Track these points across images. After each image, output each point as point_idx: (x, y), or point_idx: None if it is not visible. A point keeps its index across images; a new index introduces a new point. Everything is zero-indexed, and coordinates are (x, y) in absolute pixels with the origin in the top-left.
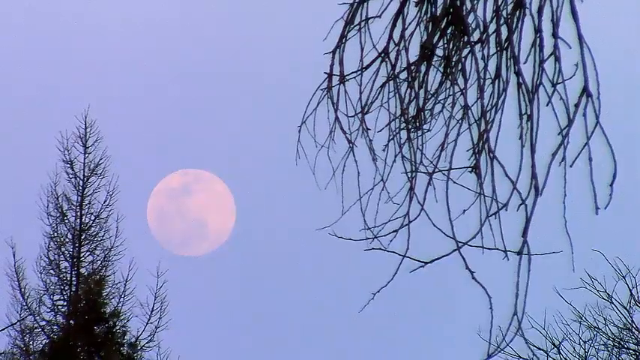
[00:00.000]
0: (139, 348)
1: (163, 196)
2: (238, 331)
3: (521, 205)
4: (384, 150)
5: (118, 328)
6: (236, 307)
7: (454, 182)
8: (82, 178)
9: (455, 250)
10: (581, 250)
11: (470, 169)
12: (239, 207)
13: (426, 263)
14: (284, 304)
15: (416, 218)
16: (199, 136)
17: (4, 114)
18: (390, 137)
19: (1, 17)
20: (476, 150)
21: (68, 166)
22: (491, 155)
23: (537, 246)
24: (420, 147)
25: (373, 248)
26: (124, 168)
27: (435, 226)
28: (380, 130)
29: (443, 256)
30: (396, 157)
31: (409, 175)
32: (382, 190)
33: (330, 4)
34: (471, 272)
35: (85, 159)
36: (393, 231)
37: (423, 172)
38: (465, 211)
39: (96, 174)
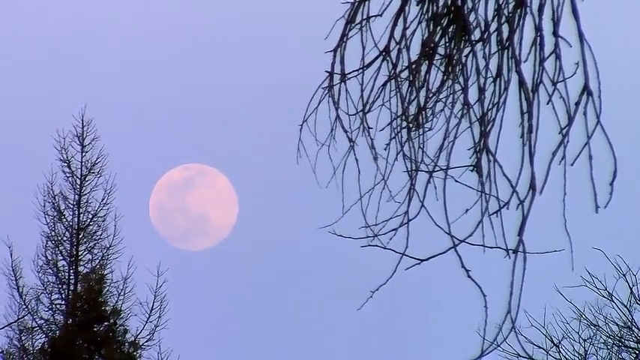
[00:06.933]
0: (139, 346)
1: (165, 191)
2: (238, 329)
3: (519, 204)
4: (385, 149)
5: (118, 326)
6: (236, 303)
7: (455, 180)
8: (79, 176)
9: (451, 247)
10: (582, 249)
11: (471, 167)
12: (241, 202)
13: (422, 261)
14: (284, 300)
15: (415, 216)
16: (201, 131)
17: (1, 113)
18: (392, 136)
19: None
20: (477, 149)
21: (65, 164)
22: (491, 155)
23: (537, 244)
24: (421, 146)
25: (370, 245)
26: (125, 163)
27: (435, 224)
28: (382, 130)
29: (439, 254)
30: (397, 155)
31: (410, 173)
32: (383, 188)
33: (331, 3)
34: (467, 270)
35: (82, 157)
36: (393, 229)
37: (424, 171)
38: (467, 210)
39: (93, 172)
